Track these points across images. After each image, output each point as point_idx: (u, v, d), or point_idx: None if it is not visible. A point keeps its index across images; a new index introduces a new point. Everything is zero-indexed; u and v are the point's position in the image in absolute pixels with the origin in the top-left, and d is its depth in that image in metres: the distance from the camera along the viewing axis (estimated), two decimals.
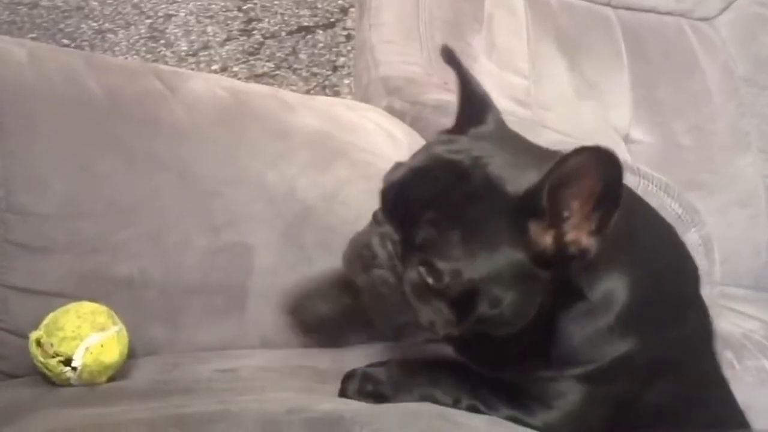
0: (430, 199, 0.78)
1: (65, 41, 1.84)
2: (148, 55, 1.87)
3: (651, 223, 0.92)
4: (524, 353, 0.84)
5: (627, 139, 1.65)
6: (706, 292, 1.14)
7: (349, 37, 1.97)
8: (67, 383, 0.88)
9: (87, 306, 0.91)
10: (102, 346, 0.88)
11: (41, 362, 0.88)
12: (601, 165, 0.72)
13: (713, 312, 1.05)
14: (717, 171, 1.67)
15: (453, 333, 0.81)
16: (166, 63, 1.86)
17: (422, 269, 0.78)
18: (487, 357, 0.86)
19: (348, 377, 0.87)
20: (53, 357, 0.87)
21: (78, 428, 0.75)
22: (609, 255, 0.80)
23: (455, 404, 0.84)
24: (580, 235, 0.76)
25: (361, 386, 0.85)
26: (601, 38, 1.70)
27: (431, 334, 0.82)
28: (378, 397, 0.84)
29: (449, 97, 1.43)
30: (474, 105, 0.88)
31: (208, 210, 1.05)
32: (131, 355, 0.95)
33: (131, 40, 1.88)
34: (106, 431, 0.74)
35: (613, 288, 0.83)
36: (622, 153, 1.58)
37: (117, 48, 1.88)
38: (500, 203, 0.77)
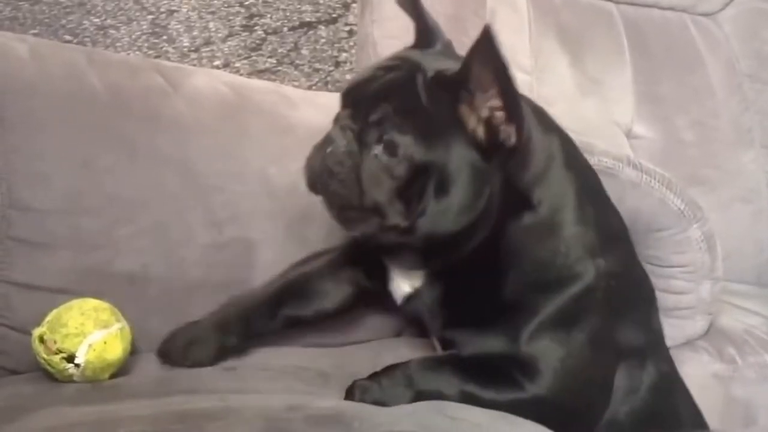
0: (384, 90, 0.87)
1: (67, 37, 1.84)
2: (150, 51, 1.87)
3: (585, 165, 1.00)
4: (477, 267, 0.88)
5: (630, 135, 1.65)
6: (708, 287, 1.14)
7: (351, 33, 1.96)
8: (69, 380, 0.88)
9: (90, 303, 0.91)
10: (105, 343, 0.88)
11: (44, 359, 0.88)
12: (488, 54, 0.80)
13: (716, 308, 1.06)
14: (720, 167, 1.67)
15: (401, 223, 0.85)
16: (168, 59, 1.86)
17: (378, 147, 0.85)
18: (438, 265, 0.90)
19: (348, 392, 0.88)
20: (56, 354, 0.87)
21: (79, 425, 0.75)
22: (551, 172, 0.90)
23: (448, 397, 0.85)
24: (500, 121, 0.84)
25: (351, 397, 0.87)
26: (603, 34, 1.70)
27: (379, 225, 0.86)
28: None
29: None
30: (426, 33, 0.98)
31: (211, 205, 1.05)
32: (133, 351, 0.95)
33: (133, 36, 1.88)
34: (107, 427, 0.74)
35: (558, 204, 0.90)
36: (625, 148, 1.58)
37: (119, 44, 1.87)
38: (439, 93, 0.85)
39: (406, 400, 0.84)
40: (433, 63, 0.89)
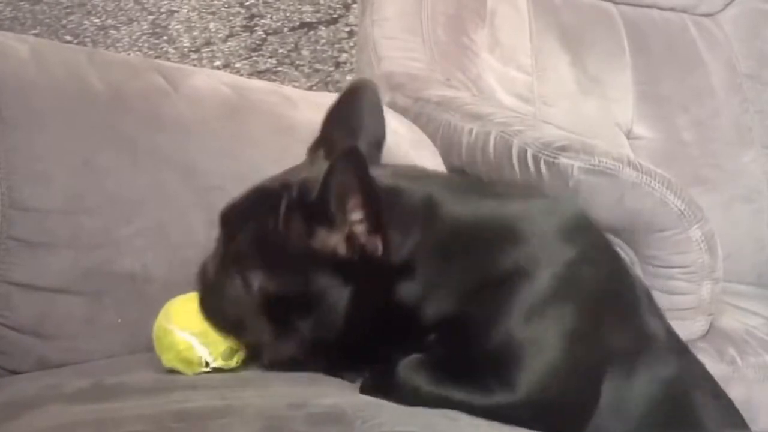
0: (245, 218, 0.88)
1: (68, 37, 1.84)
2: (151, 52, 1.87)
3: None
4: (397, 336, 0.85)
5: (630, 135, 1.66)
6: (708, 288, 1.14)
7: (351, 34, 1.97)
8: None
9: None
10: None
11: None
12: (346, 171, 0.80)
13: (717, 308, 1.05)
14: (720, 167, 1.67)
15: (281, 347, 0.86)
16: (168, 59, 1.86)
17: (237, 277, 0.86)
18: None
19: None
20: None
21: (81, 424, 0.75)
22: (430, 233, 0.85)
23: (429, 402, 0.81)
24: (362, 235, 0.83)
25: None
26: (604, 34, 1.70)
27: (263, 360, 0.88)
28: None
29: (451, 93, 1.43)
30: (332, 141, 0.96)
31: (211, 205, 1.05)
32: (134, 350, 0.95)
33: (133, 37, 1.88)
34: (108, 427, 0.74)
35: (444, 242, 0.85)
36: (625, 148, 1.58)
37: (119, 44, 1.87)
38: (296, 218, 0.85)
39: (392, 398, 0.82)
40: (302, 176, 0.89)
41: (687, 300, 1.13)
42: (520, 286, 0.83)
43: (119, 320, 0.98)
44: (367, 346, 0.87)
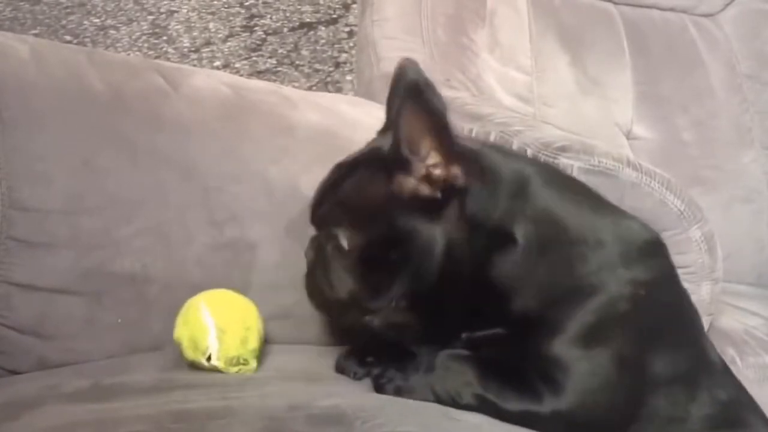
0: (325, 190, 0.93)
1: (67, 38, 1.84)
2: (151, 52, 1.87)
3: (575, 184, 0.98)
4: (477, 314, 0.87)
5: (629, 135, 1.66)
6: (708, 288, 1.14)
7: (351, 34, 1.96)
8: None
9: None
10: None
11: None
12: (410, 102, 0.82)
13: (716, 308, 1.05)
14: (720, 167, 1.67)
15: (381, 303, 0.86)
16: (168, 59, 1.86)
17: (328, 245, 0.88)
18: (440, 326, 0.89)
19: (375, 380, 0.88)
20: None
21: (80, 424, 0.75)
22: (528, 200, 0.87)
23: (464, 397, 0.84)
24: (445, 168, 0.84)
25: (379, 386, 0.87)
26: (603, 34, 1.70)
27: (362, 313, 0.88)
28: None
29: (451, 93, 1.43)
30: None
31: (211, 206, 1.05)
32: (134, 350, 0.95)
33: (133, 37, 1.88)
34: (107, 427, 0.74)
35: (547, 229, 0.87)
36: (625, 149, 1.58)
37: (119, 44, 1.87)
38: (373, 172, 0.88)
39: (425, 391, 0.84)
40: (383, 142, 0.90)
41: None
42: (591, 302, 0.86)
43: (119, 320, 0.98)
44: (453, 315, 0.88)
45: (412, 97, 0.82)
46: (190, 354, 0.88)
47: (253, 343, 0.89)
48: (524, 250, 0.86)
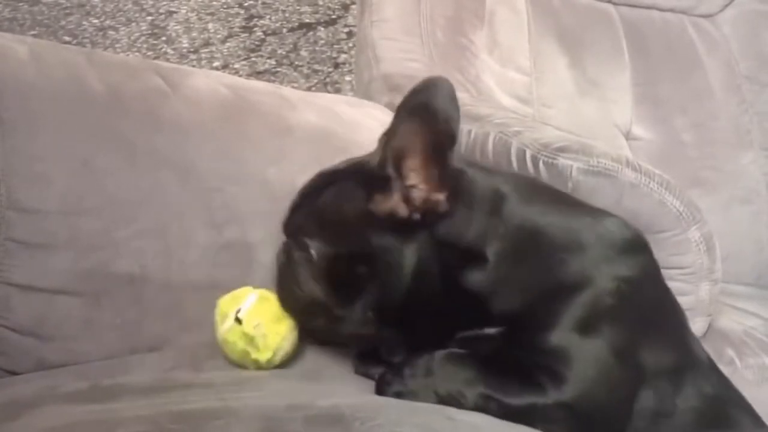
0: (299, 200, 0.94)
1: (66, 38, 1.84)
2: (150, 52, 1.87)
3: (550, 191, 0.99)
4: (458, 318, 0.88)
5: (629, 136, 1.65)
6: (706, 289, 1.14)
7: (350, 34, 1.97)
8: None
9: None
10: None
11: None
12: (418, 119, 0.82)
13: (715, 309, 1.05)
14: (719, 168, 1.67)
15: (348, 313, 0.88)
16: (167, 60, 1.86)
17: (299, 254, 0.90)
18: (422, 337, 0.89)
19: (377, 384, 0.88)
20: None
21: (79, 424, 0.75)
22: (503, 214, 0.88)
23: (467, 396, 0.84)
24: (428, 192, 0.85)
25: (380, 390, 0.87)
26: (602, 35, 1.70)
27: (332, 322, 0.90)
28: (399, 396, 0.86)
29: None
30: None
31: (210, 207, 1.05)
32: (133, 351, 0.95)
33: (132, 37, 1.88)
34: (106, 427, 0.74)
35: (513, 245, 0.88)
36: (624, 150, 1.58)
37: (118, 45, 1.87)
38: (352, 188, 0.89)
39: (427, 393, 0.85)
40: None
41: (685, 301, 1.13)
42: (578, 297, 0.87)
43: (118, 321, 0.98)
44: (428, 325, 0.89)
45: (421, 114, 0.82)
46: (224, 307, 0.92)
47: (280, 335, 0.91)
48: (495, 266, 0.88)
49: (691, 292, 1.13)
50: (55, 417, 0.78)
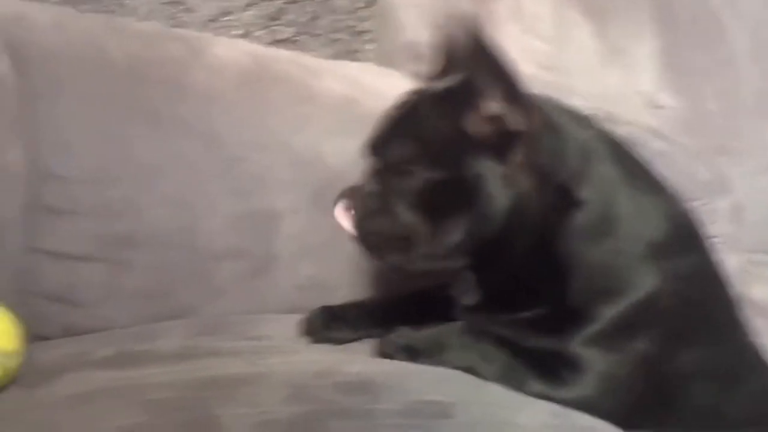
0: (393, 126, 0.90)
1: (84, 7, 1.83)
2: (169, 21, 1.86)
3: (635, 160, 0.96)
4: (534, 276, 0.86)
5: (654, 105, 1.63)
6: (735, 259, 1.13)
7: (370, 2, 1.94)
8: None
9: None
10: None
11: None
12: (481, 45, 0.81)
13: (744, 279, 1.04)
14: (745, 136, 1.64)
15: (439, 247, 0.85)
16: (186, 28, 1.85)
17: (396, 179, 0.87)
18: (496, 292, 0.88)
19: (385, 342, 0.87)
20: None
21: (105, 390, 0.76)
22: (593, 166, 0.86)
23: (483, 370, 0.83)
24: (505, 113, 0.83)
25: (396, 352, 0.86)
26: (627, 2, 1.68)
27: (414, 252, 0.86)
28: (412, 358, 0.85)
29: None
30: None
31: (234, 175, 1.05)
32: (157, 318, 0.95)
33: (151, 6, 1.87)
34: (133, 393, 0.74)
35: (609, 199, 0.86)
36: (650, 118, 1.56)
37: (135, 14, 1.86)
38: (443, 109, 0.86)
39: (437, 364, 0.83)
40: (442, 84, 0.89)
41: None
42: (626, 296, 0.85)
43: (144, 288, 0.98)
44: (505, 276, 0.87)
45: (481, 40, 0.81)
46: None
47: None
48: (588, 214, 0.85)
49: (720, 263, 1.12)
50: (83, 383, 0.79)
